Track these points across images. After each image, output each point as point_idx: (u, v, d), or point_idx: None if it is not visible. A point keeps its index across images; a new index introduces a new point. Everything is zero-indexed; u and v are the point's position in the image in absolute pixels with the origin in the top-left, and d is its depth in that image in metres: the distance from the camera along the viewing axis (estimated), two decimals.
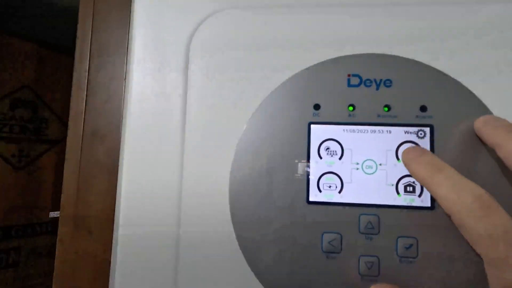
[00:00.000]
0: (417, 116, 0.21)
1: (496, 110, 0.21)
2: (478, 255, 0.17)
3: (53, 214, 0.60)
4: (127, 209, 0.24)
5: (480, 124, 0.20)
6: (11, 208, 0.57)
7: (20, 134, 0.60)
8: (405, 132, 0.21)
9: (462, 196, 0.17)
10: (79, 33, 0.31)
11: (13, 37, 0.60)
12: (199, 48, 0.25)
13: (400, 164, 0.21)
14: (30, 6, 0.62)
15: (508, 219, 0.16)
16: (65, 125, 0.63)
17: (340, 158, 0.22)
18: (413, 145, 0.21)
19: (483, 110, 0.21)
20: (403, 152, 0.20)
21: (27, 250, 0.59)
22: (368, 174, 0.21)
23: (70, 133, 0.29)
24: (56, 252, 0.28)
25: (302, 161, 0.22)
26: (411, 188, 0.21)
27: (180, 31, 0.25)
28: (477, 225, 0.16)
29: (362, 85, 0.22)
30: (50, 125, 0.64)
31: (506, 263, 0.16)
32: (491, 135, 0.19)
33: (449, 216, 0.18)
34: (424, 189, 0.21)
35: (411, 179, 0.21)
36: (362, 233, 0.21)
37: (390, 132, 0.22)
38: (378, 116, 0.22)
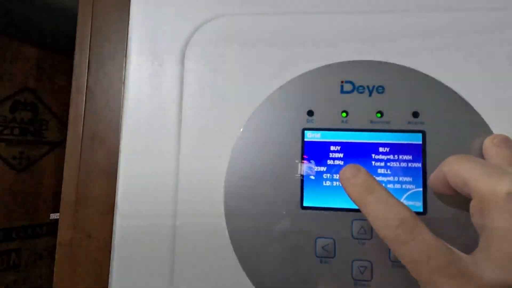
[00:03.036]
0: (409, 122, 0.22)
1: (487, 116, 0.21)
2: None
3: (53, 216, 0.61)
4: (126, 211, 0.25)
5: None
6: (11, 210, 0.58)
7: (21, 136, 0.60)
8: (398, 138, 0.22)
9: (389, 220, 0.17)
10: (78, 36, 0.31)
11: (13, 39, 0.60)
12: (195, 53, 0.25)
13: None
14: (29, 9, 0.62)
15: (431, 243, 0.16)
16: (65, 127, 0.63)
17: (334, 164, 0.22)
18: (352, 164, 0.20)
19: (475, 116, 0.21)
20: (340, 171, 0.19)
21: (27, 251, 0.60)
22: None
23: (69, 136, 0.29)
24: (56, 255, 0.28)
25: (296, 166, 0.22)
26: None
27: (176, 36, 0.25)
28: (402, 251, 0.16)
29: (355, 92, 0.22)
30: (50, 127, 0.64)
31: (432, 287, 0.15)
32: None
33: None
34: (417, 193, 0.21)
35: (404, 183, 0.21)
36: (355, 238, 0.21)
37: (382, 137, 0.22)
38: (371, 122, 0.22)
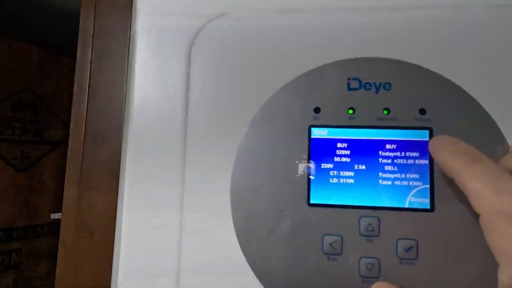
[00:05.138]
0: (416, 119, 0.22)
1: (494, 113, 0.21)
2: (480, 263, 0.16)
3: (54, 216, 0.61)
4: (128, 211, 0.25)
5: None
6: (12, 210, 0.58)
7: (22, 136, 0.60)
8: (405, 135, 0.22)
9: (500, 196, 0.14)
10: (80, 36, 0.31)
11: (14, 39, 0.60)
12: (200, 52, 0.25)
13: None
14: (31, 9, 0.62)
15: None
16: (66, 127, 0.63)
17: (340, 161, 0.22)
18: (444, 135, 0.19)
19: (482, 113, 0.21)
20: (432, 140, 0.18)
21: (28, 251, 0.59)
22: (368, 176, 0.22)
23: (71, 135, 0.29)
24: (58, 254, 0.28)
25: (303, 163, 0.22)
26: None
27: (182, 35, 0.25)
28: (511, 233, 0.14)
29: (362, 89, 0.22)
30: (51, 127, 0.64)
31: None
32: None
33: (478, 216, 0.16)
34: (424, 190, 0.21)
35: (411, 180, 0.21)
36: (363, 235, 0.21)
37: (390, 134, 0.22)
38: (378, 119, 0.22)
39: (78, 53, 0.30)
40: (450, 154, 0.17)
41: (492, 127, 0.21)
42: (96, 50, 0.30)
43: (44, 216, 0.61)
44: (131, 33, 0.27)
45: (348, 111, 0.22)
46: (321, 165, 0.22)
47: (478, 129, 0.21)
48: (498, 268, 0.15)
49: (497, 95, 0.22)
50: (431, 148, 0.19)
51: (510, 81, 0.22)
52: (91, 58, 0.30)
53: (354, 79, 0.23)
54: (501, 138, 0.21)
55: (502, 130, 0.21)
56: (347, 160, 0.22)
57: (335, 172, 0.22)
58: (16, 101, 0.60)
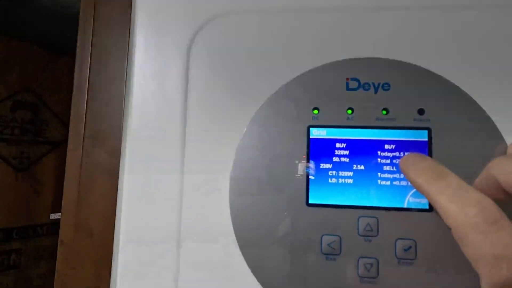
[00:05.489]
0: (414, 119, 0.22)
1: (493, 113, 0.21)
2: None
3: (54, 216, 0.61)
4: (128, 211, 0.25)
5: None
6: (12, 210, 0.58)
7: (21, 136, 0.60)
8: (403, 135, 0.22)
9: (465, 207, 0.15)
10: (80, 36, 0.31)
11: (14, 39, 0.60)
12: (199, 52, 0.25)
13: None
14: (31, 9, 0.62)
15: None
16: (66, 126, 0.63)
17: (339, 161, 0.22)
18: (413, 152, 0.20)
19: (480, 113, 0.21)
20: (402, 158, 0.19)
21: (28, 251, 0.59)
22: (366, 176, 0.22)
23: (71, 135, 0.29)
24: (58, 254, 0.28)
25: (302, 163, 0.22)
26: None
27: (181, 34, 0.25)
28: (481, 242, 0.14)
29: (361, 89, 0.22)
30: (51, 127, 0.64)
31: None
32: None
33: (449, 229, 0.16)
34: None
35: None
36: (361, 235, 0.21)
37: (388, 135, 0.22)
38: (377, 119, 0.22)
39: (78, 52, 0.30)
40: (416, 172, 0.18)
41: (490, 127, 0.21)
42: (95, 50, 0.30)
43: (43, 216, 0.61)
44: (131, 33, 0.27)
45: (347, 111, 0.22)
46: (320, 165, 0.22)
47: (476, 129, 0.21)
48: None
49: (495, 95, 0.22)
50: (401, 166, 0.19)
51: (508, 81, 0.22)
52: (90, 58, 0.30)
53: (352, 79, 0.23)
54: (499, 138, 0.21)
55: (500, 130, 0.21)
56: (346, 160, 0.22)
57: (334, 172, 0.22)
58: (15, 101, 0.60)
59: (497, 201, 0.16)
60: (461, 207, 0.15)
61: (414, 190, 0.21)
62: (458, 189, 0.16)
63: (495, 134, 0.21)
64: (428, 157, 0.19)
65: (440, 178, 0.17)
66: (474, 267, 0.15)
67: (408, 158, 0.19)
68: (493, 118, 0.21)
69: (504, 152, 0.21)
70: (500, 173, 0.17)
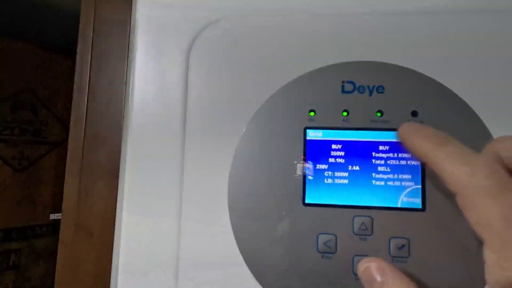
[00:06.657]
0: (408, 121, 0.22)
1: (485, 115, 0.22)
2: (469, 250, 0.17)
3: (53, 216, 0.61)
4: (128, 211, 0.25)
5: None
6: (11, 210, 0.58)
7: (21, 137, 0.60)
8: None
9: (474, 170, 0.15)
10: (80, 36, 0.31)
11: (14, 40, 0.60)
12: (199, 54, 0.26)
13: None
14: (31, 9, 0.62)
15: None
16: (65, 127, 0.63)
17: (335, 162, 0.23)
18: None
19: (472, 115, 0.22)
20: (401, 128, 0.18)
21: (27, 252, 0.59)
22: (361, 176, 0.22)
23: (71, 136, 0.30)
24: (58, 254, 0.28)
25: (299, 164, 0.23)
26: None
27: (181, 36, 0.26)
28: (491, 205, 0.14)
29: (356, 91, 0.23)
30: (50, 127, 0.64)
31: None
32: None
33: (454, 195, 0.16)
34: (416, 190, 0.22)
35: (403, 181, 0.22)
36: (356, 234, 0.22)
37: (383, 136, 0.22)
38: (371, 121, 0.23)
39: (78, 53, 0.30)
40: (421, 138, 0.17)
41: (481, 130, 0.22)
42: (95, 51, 0.31)
43: (43, 216, 0.62)
44: (131, 34, 0.27)
45: (342, 113, 0.23)
46: (316, 166, 0.23)
47: (468, 131, 0.22)
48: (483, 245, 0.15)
49: (487, 98, 0.22)
50: (401, 134, 0.19)
51: (500, 84, 0.22)
52: (90, 58, 0.31)
53: (348, 82, 0.23)
54: (490, 140, 0.21)
55: (491, 132, 0.22)
56: (341, 161, 0.23)
57: (330, 172, 0.22)
58: (15, 101, 0.60)
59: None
60: (471, 170, 0.15)
61: (408, 189, 0.22)
62: (465, 154, 0.16)
63: (486, 136, 0.22)
64: (428, 125, 0.18)
65: (445, 144, 0.16)
66: (477, 233, 0.15)
67: (408, 127, 0.18)
68: (484, 120, 0.22)
69: None
70: (504, 149, 0.16)
